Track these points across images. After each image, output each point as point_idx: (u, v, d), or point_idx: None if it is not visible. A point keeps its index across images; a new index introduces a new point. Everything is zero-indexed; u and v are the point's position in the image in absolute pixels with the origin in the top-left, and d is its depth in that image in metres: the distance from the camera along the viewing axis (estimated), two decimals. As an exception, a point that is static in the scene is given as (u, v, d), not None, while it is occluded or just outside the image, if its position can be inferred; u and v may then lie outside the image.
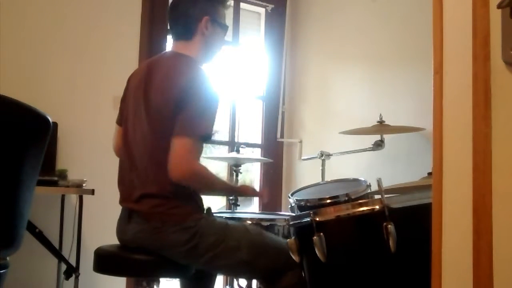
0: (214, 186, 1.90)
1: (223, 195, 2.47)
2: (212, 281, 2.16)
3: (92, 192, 2.47)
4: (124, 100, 2.02)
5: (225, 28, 2.01)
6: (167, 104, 1.78)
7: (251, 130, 3.80)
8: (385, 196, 1.55)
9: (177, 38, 1.96)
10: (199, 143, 1.77)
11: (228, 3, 2.05)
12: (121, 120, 2.01)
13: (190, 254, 1.77)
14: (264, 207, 3.66)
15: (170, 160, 1.72)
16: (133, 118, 1.89)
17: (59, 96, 2.92)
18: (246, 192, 2.10)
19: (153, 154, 1.81)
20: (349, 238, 1.63)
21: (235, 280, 2.33)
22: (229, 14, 3.57)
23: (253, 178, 3.84)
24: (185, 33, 1.93)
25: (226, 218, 1.97)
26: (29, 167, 1.47)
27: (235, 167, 2.62)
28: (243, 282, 2.25)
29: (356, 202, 1.73)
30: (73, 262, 2.52)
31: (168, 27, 1.99)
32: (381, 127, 2.48)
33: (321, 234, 1.56)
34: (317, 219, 1.59)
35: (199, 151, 1.79)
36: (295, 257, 1.67)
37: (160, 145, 1.78)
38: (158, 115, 1.80)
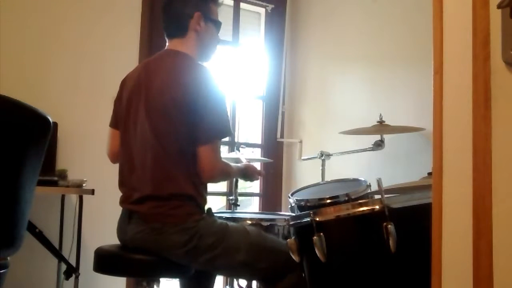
0: (232, 175, 2.09)
1: None
2: (211, 281, 2.16)
3: (92, 192, 2.47)
4: (119, 102, 1.99)
5: (218, 24, 2.01)
6: (170, 104, 1.78)
7: (251, 130, 3.80)
8: (385, 196, 1.55)
9: (171, 35, 1.96)
10: (221, 141, 1.91)
11: (220, 0, 2.06)
12: (116, 123, 2.00)
13: (190, 254, 1.77)
14: (264, 207, 3.66)
15: (201, 168, 1.80)
16: (133, 119, 1.88)
17: (59, 96, 2.92)
18: (253, 172, 2.13)
19: (153, 154, 1.80)
20: (349, 238, 1.63)
21: (235, 280, 2.33)
22: (229, 14, 3.58)
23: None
24: (178, 30, 1.94)
25: (226, 218, 1.97)
26: (30, 167, 1.47)
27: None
28: (243, 282, 2.25)
29: (356, 202, 1.73)
30: (73, 262, 2.52)
31: (162, 25, 1.99)
32: (381, 127, 2.47)
33: (321, 234, 1.56)
34: (317, 219, 1.59)
35: (220, 149, 1.91)
36: (295, 257, 1.66)
37: (161, 146, 1.78)
38: (160, 115, 1.79)
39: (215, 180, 1.97)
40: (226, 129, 1.84)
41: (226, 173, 1.95)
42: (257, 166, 3.65)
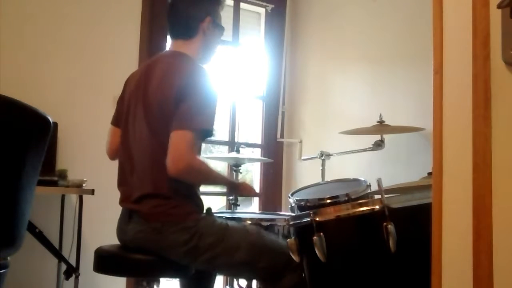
0: (212, 181, 2.03)
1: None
2: (212, 281, 2.16)
3: (92, 192, 2.48)
4: (121, 101, 2.01)
5: (222, 29, 2.03)
6: (166, 102, 1.78)
7: (251, 130, 3.80)
8: (385, 196, 1.55)
9: (176, 37, 1.96)
10: (198, 137, 1.76)
11: (224, 4, 2.07)
12: (117, 121, 2.01)
13: (190, 254, 1.77)
14: (264, 207, 3.66)
15: (168, 154, 1.70)
16: (132, 119, 1.89)
17: (59, 96, 2.92)
18: (244, 191, 2.09)
19: (152, 153, 1.81)
20: (349, 238, 1.63)
21: (235, 280, 2.33)
22: (229, 14, 3.58)
23: (253, 178, 3.84)
24: (185, 32, 1.94)
25: (226, 218, 1.97)
26: (30, 167, 1.47)
27: (235, 167, 2.62)
28: (243, 282, 2.25)
29: (356, 202, 1.73)
30: (73, 262, 2.52)
31: (168, 25, 1.99)
32: (381, 127, 2.48)
33: (321, 234, 1.56)
34: (317, 219, 1.59)
35: (198, 146, 1.79)
36: (295, 257, 1.67)
37: (159, 145, 1.78)
38: (157, 114, 1.80)
39: (185, 175, 1.73)
40: (205, 125, 1.74)
41: (201, 172, 1.79)
42: (257, 166, 3.66)
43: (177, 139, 1.70)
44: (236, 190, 2.13)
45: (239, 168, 2.61)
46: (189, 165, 1.72)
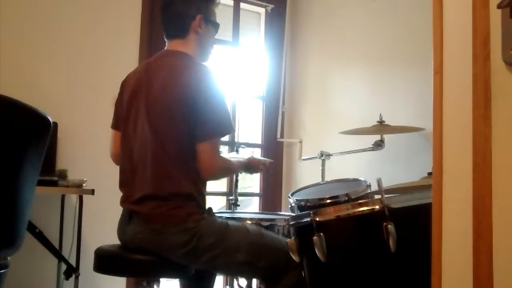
0: (233, 171, 2.15)
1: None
2: (212, 281, 2.16)
3: (92, 192, 2.47)
4: (120, 103, 2.00)
5: (217, 26, 2.02)
6: (171, 103, 1.78)
7: (251, 130, 3.80)
8: (385, 196, 1.55)
9: (171, 37, 1.96)
10: (221, 138, 1.91)
11: (217, 0, 2.06)
12: (117, 124, 2.00)
13: (190, 255, 1.77)
14: (264, 207, 3.66)
15: (200, 165, 1.80)
16: (133, 119, 1.88)
17: (59, 96, 2.92)
18: (256, 164, 2.17)
19: (153, 154, 1.80)
20: (349, 238, 1.63)
21: (235, 280, 2.33)
22: (229, 14, 3.58)
23: (253, 177, 3.84)
24: (179, 31, 1.94)
25: (226, 218, 1.97)
26: (30, 167, 1.47)
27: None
28: (243, 282, 2.25)
29: (356, 202, 1.73)
30: (73, 262, 2.52)
31: (162, 26, 1.99)
32: (381, 127, 2.48)
33: (321, 234, 1.56)
34: (317, 219, 1.59)
35: (219, 146, 1.94)
36: (295, 257, 1.67)
37: (161, 145, 1.79)
38: (161, 115, 1.80)
39: (215, 177, 2.00)
40: (226, 128, 1.85)
41: (226, 169, 1.97)
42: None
43: (207, 149, 1.80)
44: (250, 169, 2.18)
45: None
46: (220, 168, 1.89)
